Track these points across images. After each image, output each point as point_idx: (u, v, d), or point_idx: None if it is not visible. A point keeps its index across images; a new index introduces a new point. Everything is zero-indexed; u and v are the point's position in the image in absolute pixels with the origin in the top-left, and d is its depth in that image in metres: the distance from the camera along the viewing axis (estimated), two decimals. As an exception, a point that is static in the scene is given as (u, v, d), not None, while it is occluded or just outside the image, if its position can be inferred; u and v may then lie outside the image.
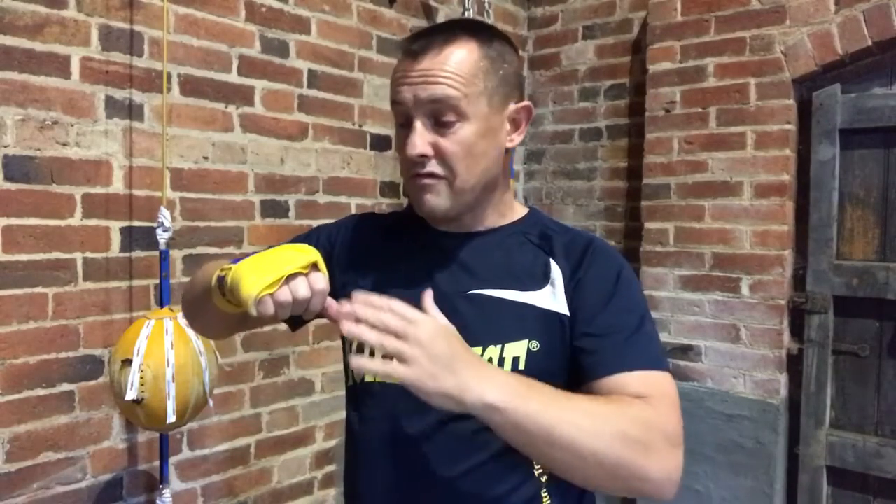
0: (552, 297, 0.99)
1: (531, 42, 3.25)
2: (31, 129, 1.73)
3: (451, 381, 0.79)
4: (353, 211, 2.51)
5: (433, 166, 0.97)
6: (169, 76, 1.98)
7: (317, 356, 2.45)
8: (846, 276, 2.41)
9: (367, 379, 1.04)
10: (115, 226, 1.90)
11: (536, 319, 0.98)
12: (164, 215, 1.74)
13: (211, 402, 1.74)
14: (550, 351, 0.97)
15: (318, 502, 2.48)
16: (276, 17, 2.26)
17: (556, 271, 1.01)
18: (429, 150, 0.96)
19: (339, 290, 1.03)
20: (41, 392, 1.78)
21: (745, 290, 2.54)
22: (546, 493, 0.98)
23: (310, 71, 2.37)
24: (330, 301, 0.88)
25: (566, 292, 0.99)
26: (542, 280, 1.01)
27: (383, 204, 2.64)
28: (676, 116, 2.68)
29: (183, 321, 1.66)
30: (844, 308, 2.43)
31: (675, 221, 2.69)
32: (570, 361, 0.97)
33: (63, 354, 1.81)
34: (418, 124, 0.96)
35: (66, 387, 1.82)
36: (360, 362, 0.80)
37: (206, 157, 2.10)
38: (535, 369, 0.92)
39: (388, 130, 2.64)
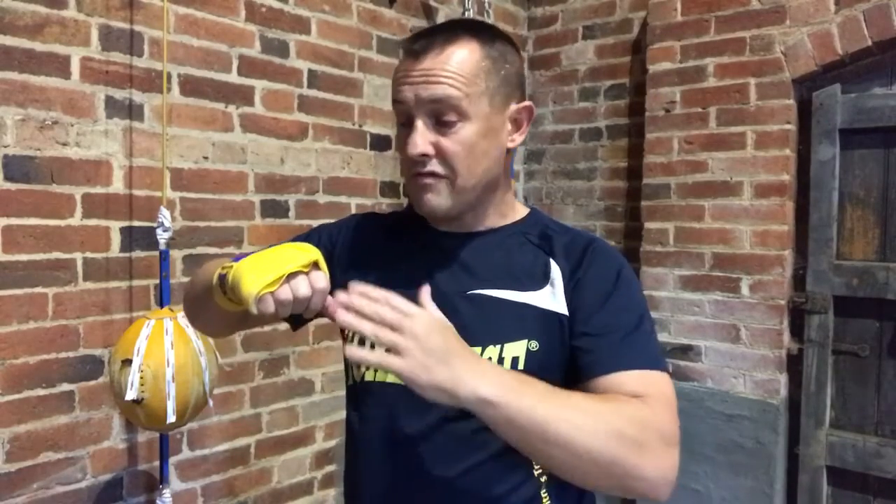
0: (551, 298, 0.99)
1: (531, 42, 3.25)
2: (31, 129, 1.73)
3: (444, 374, 0.79)
4: (353, 211, 2.51)
5: (434, 166, 0.97)
6: (169, 76, 1.98)
7: (317, 356, 2.45)
8: (846, 276, 2.41)
9: (367, 378, 1.04)
10: (115, 226, 1.90)
11: (536, 319, 0.98)
12: (164, 215, 1.74)
13: (211, 402, 1.74)
14: (550, 351, 0.97)
15: (318, 502, 2.48)
16: (276, 17, 2.26)
17: (555, 271, 1.01)
18: (430, 150, 0.96)
19: (340, 289, 1.03)
20: (41, 392, 1.78)
21: (745, 290, 2.54)
22: (546, 494, 0.98)
23: (310, 71, 2.37)
24: (330, 300, 0.88)
25: (566, 292, 0.99)
26: (541, 280, 1.01)
27: (383, 204, 2.64)
28: (676, 116, 2.68)
29: (183, 321, 1.66)
30: (844, 308, 2.43)
31: (675, 221, 2.69)
32: (568, 361, 0.97)
33: (63, 354, 1.81)
34: (419, 124, 0.96)
35: (66, 387, 1.82)
36: (354, 352, 0.80)
37: (206, 157, 2.10)
38: (535, 369, 0.92)
39: (388, 130, 2.64)
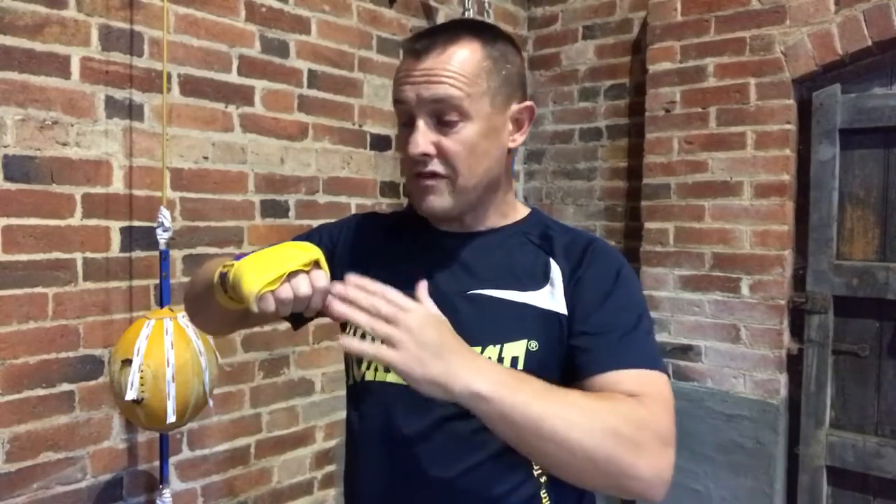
0: (551, 297, 0.99)
1: (531, 42, 3.25)
2: (31, 129, 1.73)
3: (439, 367, 0.79)
4: (354, 211, 2.51)
5: (435, 165, 0.97)
6: (169, 76, 1.98)
7: (317, 356, 2.45)
8: (846, 276, 2.41)
9: (368, 378, 1.04)
10: (115, 226, 1.90)
11: (535, 319, 0.98)
12: (164, 215, 1.74)
13: (211, 402, 1.74)
14: (549, 351, 0.97)
15: (318, 502, 2.48)
16: (276, 17, 2.26)
17: (555, 271, 1.01)
18: (431, 150, 0.96)
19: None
20: (41, 392, 1.78)
21: (745, 290, 2.54)
22: (545, 494, 0.98)
23: (310, 71, 2.37)
24: (331, 299, 0.88)
25: (565, 292, 0.99)
26: (541, 280, 1.01)
27: (383, 204, 2.64)
28: (676, 116, 2.68)
29: (183, 321, 1.66)
30: (844, 308, 2.43)
31: (675, 221, 2.69)
32: (567, 360, 0.97)
33: (63, 354, 1.81)
34: (421, 123, 0.96)
35: (66, 387, 1.82)
36: (350, 343, 0.80)
37: (206, 157, 2.10)
38: (535, 369, 0.92)
39: (388, 130, 2.64)
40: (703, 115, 2.62)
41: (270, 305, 0.86)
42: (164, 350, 1.60)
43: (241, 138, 2.18)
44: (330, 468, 2.51)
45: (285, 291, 0.86)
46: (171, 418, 1.59)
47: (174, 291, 1.91)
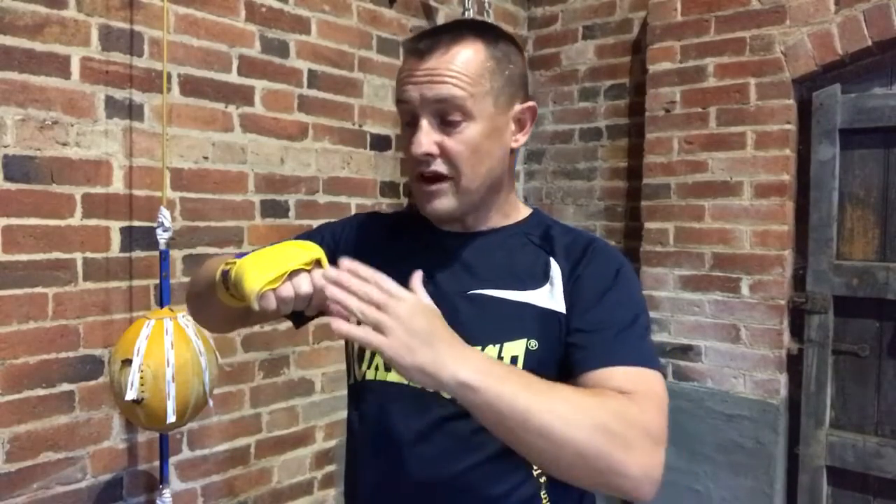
0: (550, 296, 0.99)
1: (531, 42, 3.25)
2: (31, 129, 1.73)
3: (427, 356, 0.78)
4: (353, 211, 2.51)
5: (438, 165, 0.97)
6: (169, 76, 1.98)
7: (317, 356, 2.45)
8: (846, 276, 2.41)
9: (368, 377, 1.04)
10: (115, 226, 1.90)
11: (535, 319, 0.98)
12: (164, 215, 1.74)
13: (211, 402, 1.74)
14: (548, 350, 0.97)
15: (318, 502, 2.48)
16: (276, 17, 2.26)
17: (555, 270, 1.01)
18: (434, 150, 0.96)
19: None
20: (41, 392, 1.78)
21: (745, 290, 2.54)
22: (545, 494, 0.98)
23: (310, 71, 2.37)
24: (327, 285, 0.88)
25: (565, 290, 0.99)
26: (541, 279, 1.01)
27: (383, 204, 2.64)
28: (676, 116, 2.68)
29: (183, 321, 1.66)
30: (844, 308, 2.43)
31: (675, 221, 2.69)
32: (564, 359, 0.96)
33: (63, 354, 1.81)
34: (424, 123, 0.96)
35: (66, 387, 1.82)
36: (340, 325, 0.79)
37: (206, 157, 2.10)
38: (534, 368, 0.92)
39: (388, 130, 2.64)
40: (703, 115, 2.62)
41: (272, 304, 0.86)
42: (164, 350, 1.60)
43: (241, 138, 2.18)
44: (330, 468, 2.51)
45: (287, 290, 0.86)
46: (171, 418, 1.59)
47: (174, 291, 1.91)
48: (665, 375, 2.66)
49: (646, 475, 0.83)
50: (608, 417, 0.82)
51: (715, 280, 2.60)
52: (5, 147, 1.69)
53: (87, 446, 1.86)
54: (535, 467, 0.97)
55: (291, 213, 2.34)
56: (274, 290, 0.86)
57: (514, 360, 0.96)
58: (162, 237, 1.75)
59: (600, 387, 0.89)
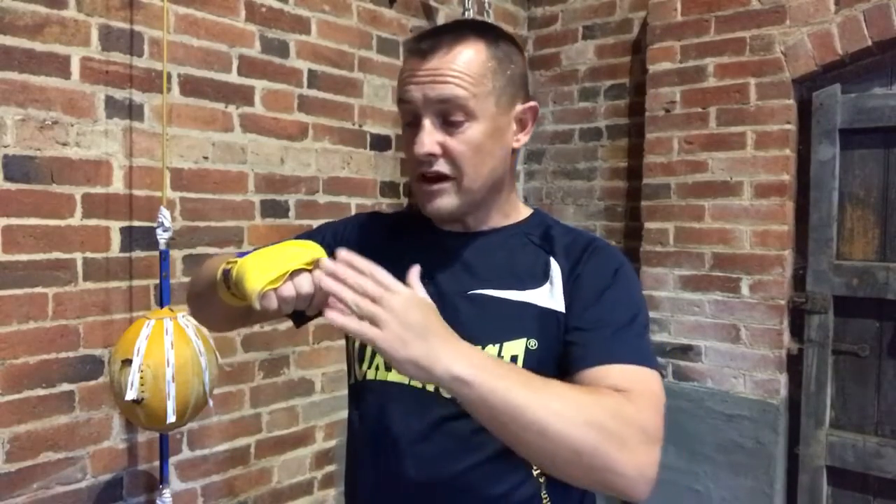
0: (550, 295, 0.99)
1: (531, 42, 3.25)
2: (31, 129, 1.73)
3: (421, 349, 0.78)
4: (353, 211, 2.51)
5: (441, 165, 0.97)
6: (169, 76, 1.98)
7: (317, 356, 2.45)
8: (846, 276, 2.41)
9: (369, 377, 1.04)
10: (115, 226, 1.90)
11: (535, 318, 0.98)
12: (164, 215, 1.74)
13: (211, 402, 1.74)
14: (548, 349, 0.97)
15: (318, 502, 2.48)
16: (276, 17, 2.26)
17: (555, 269, 1.01)
18: (437, 150, 0.96)
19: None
20: (41, 392, 1.78)
21: (745, 290, 2.54)
22: (546, 494, 0.98)
23: (310, 71, 2.37)
24: (321, 275, 0.88)
25: (564, 289, 0.99)
26: (541, 278, 1.01)
27: (383, 204, 2.64)
28: (676, 116, 2.68)
29: (183, 321, 1.66)
30: (844, 308, 2.43)
31: (675, 221, 2.69)
32: (563, 357, 0.96)
33: (63, 354, 1.81)
34: (427, 123, 0.96)
35: (66, 387, 1.82)
36: (334, 316, 0.79)
37: (206, 157, 2.10)
38: (534, 367, 0.92)
39: (388, 130, 2.64)
40: (703, 115, 2.62)
41: (273, 303, 0.86)
42: (164, 350, 1.60)
43: (241, 138, 2.18)
44: (330, 468, 2.51)
45: (288, 289, 0.86)
46: (171, 418, 1.59)
47: (174, 291, 1.91)
48: (665, 375, 2.66)
49: (641, 474, 0.82)
50: (603, 414, 0.82)
51: (715, 280, 2.60)
52: (5, 147, 1.69)
53: (87, 446, 1.86)
54: (534, 467, 0.97)
55: (291, 213, 2.34)
56: (275, 289, 0.86)
57: (513, 359, 0.96)
58: (162, 237, 1.75)
59: (597, 384, 0.88)
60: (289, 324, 1.16)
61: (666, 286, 2.70)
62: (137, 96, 1.93)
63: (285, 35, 2.29)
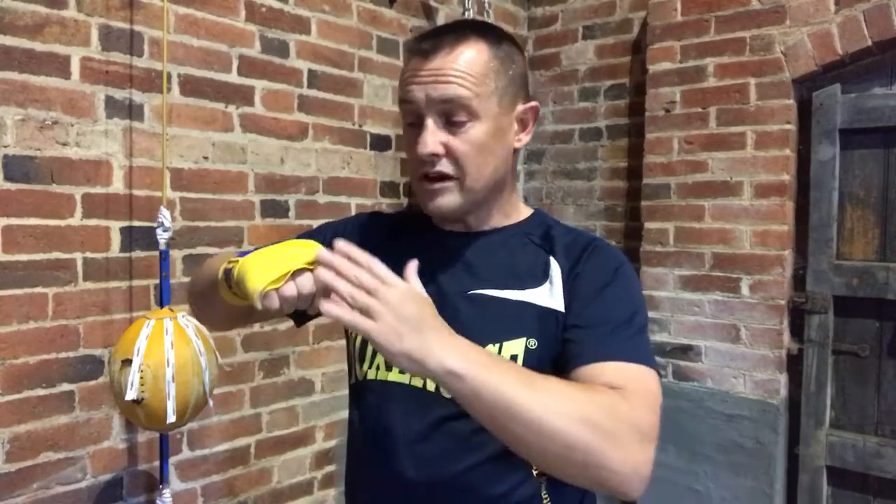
0: (549, 295, 0.99)
1: (531, 42, 3.25)
2: (31, 129, 1.73)
3: (415, 342, 0.78)
4: (354, 211, 2.51)
5: (444, 165, 0.97)
6: (169, 76, 1.98)
7: (317, 356, 2.45)
8: (846, 276, 2.41)
9: (370, 377, 1.04)
10: (115, 226, 1.90)
11: (534, 318, 0.98)
12: (164, 215, 1.74)
13: (211, 402, 1.74)
14: (547, 348, 0.97)
15: (318, 502, 2.48)
16: (276, 17, 2.26)
17: (555, 269, 1.01)
18: (440, 150, 0.96)
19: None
20: (41, 392, 1.78)
21: (745, 290, 2.54)
22: (546, 494, 0.98)
23: (310, 71, 2.37)
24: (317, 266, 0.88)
25: (563, 289, 0.99)
26: (541, 278, 1.01)
27: (383, 204, 2.64)
28: (676, 116, 2.68)
29: (183, 321, 1.66)
30: (844, 308, 2.43)
31: (675, 221, 2.69)
32: (561, 356, 0.96)
33: (63, 354, 1.81)
34: (430, 123, 0.96)
35: (66, 387, 1.82)
36: (330, 307, 0.79)
37: (206, 157, 2.10)
38: (534, 367, 0.92)
39: (388, 130, 2.64)
40: (703, 115, 2.62)
41: (274, 303, 0.86)
42: (164, 350, 1.60)
43: (241, 138, 2.18)
44: (330, 468, 2.51)
45: (289, 289, 0.86)
46: (171, 418, 1.59)
47: (174, 291, 1.91)
48: (665, 375, 2.66)
49: (634, 471, 0.82)
50: (596, 411, 0.81)
51: (715, 280, 2.60)
52: (5, 147, 1.69)
53: (87, 446, 1.86)
54: (534, 467, 0.97)
55: (291, 213, 2.34)
56: (277, 289, 0.86)
57: (513, 358, 0.96)
58: (162, 237, 1.75)
59: (592, 382, 0.88)
60: (289, 324, 1.16)
61: (666, 286, 2.70)
62: (137, 96, 1.93)
63: (285, 35, 2.29)
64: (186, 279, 1.99)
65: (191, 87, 2.05)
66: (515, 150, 1.04)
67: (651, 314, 2.67)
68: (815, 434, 2.46)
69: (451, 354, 0.79)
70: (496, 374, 0.79)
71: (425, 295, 0.85)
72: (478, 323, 0.97)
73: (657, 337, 2.69)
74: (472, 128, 0.96)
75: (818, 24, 2.38)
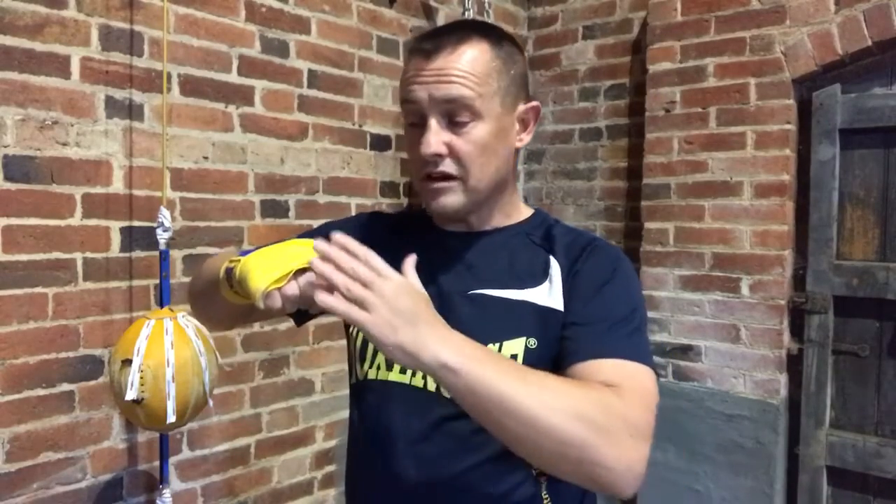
0: (549, 294, 0.99)
1: (531, 42, 3.25)
2: (31, 129, 1.73)
3: (409, 335, 0.78)
4: (353, 211, 2.51)
5: (447, 166, 0.97)
6: (169, 76, 1.98)
7: (317, 356, 2.45)
8: (846, 276, 2.41)
9: (370, 376, 1.04)
10: (115, 226, 1.90)
11: (534, 317, 0.98)
12: (164, 215, 1.74)
13: (211, 402, 1.73)
14: (547, 347, 0.96)
15: (318, 502, 2.48)
16: (276, 17, 2.26)
17: (554, 268, 1.01)
18: (443, 150, 0.96)
19: None
20: (41, 392, 1.78)
21: (745, 290, 2.54)
22: (546, 494, 0.98)
23: (310, 71, 2.37)
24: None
25: (563, 287, 0.99)
26: (540, 277, 1.01)
27: (383, 204, 2.64)
28: (676, 116, 2.68)
29: (183, 321, 1.66)
30: (844, 308, 2.43)
31: (675, 221, 2.69)
32: (559, 354, 0.96)
33: (63, 354, 1.81)
34: (433, 123, 0.96)
35: (66, 387, 1.82)
36: (324, 297, 0.79)
37: (206, 157, 2.10)
38: (533, 366, 0.92)
39: (388, 130, 2.64)
40: (703, 115, 2.62)
41: (277, 303, 0.86)
42: (164, 350, 1.60)
43: (241, 138, 2.18)
44: (330, 468, 2.51)
45: (292, 289, 0.86)
46: (171, 418, 1.59)
47: (174, 291, 1.91)
48: (665, 375, 2.66)
49: (627, 468, 0.81)
50: (591, 407, 0.81)
51: (715, 280, 2.60)
52: (5, 147, 1.69)
53: (87, 446, 1.86)
54: (535, 468, 0.97)
55: (291, 213, 2.34)
56: (279, 289, 0.86)
57: (513, 358, 0.96)
58: (162, 237, 1.75)
59: (588, 379, 0.88)
60: (289, 324, 1.16)
61: (666, 286, 2.70)
62: (137, 96, 1.93)
63: (285, 35, 2.29)
64: (186, 279, 1.99)
65: (191, 87, 2.05)
66: (517, 150, 1.04)
67: (651, 314, 2.67)
68: (815, 434, 2.46)
69: (445, 348, 0.78)
70: (490, 369, 0.79)
71: (422, 289, 0.84)
72: (478, 323, 0.97)
73: (657, 337, 2.69)
74: (475, 128, 0.96)
75: (818, 24, 2.38)
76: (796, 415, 2.50)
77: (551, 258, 1.02)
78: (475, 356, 0.80)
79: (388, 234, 1.12)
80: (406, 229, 1.12)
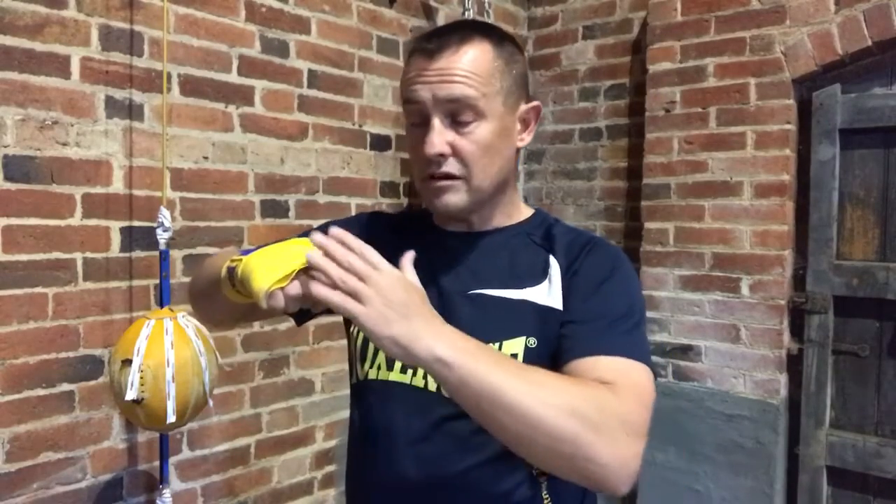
0: (547, 293, 0.99)
1: (531, 42, 3.25)
2: (31, 129, 1.73)
3: (403, 328, 0.78)
4: (354, 211, 2.51)
5: (450, 166, 0.97)
6: (169, 76, 1.98)
7: (317, 356, 2.45)
8: (846, 276, 2.41)
9: (371, 376, 1.04)
10: (115, 226, 1.90)
11: (533, 316, 0.98)
12: (164, 215, 1.74)
13: (211, 402, 1.73)
14: (547, 346, 0.96)
15: (318, 502, 2.48)
16: (276, 17, 2.26)
17: (554, 267, 1.01)
18: (447, 150, 0.96)
19: None
20: (41, 392, 1.78)
21: (745, 290, 2.54)
22: (547, 494, 0.98)
23: (310, 71, 2.37)
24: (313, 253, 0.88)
25: (562, 286, 0.99)
26: (540, 276, 1.01)
27: (383, 204, 2.64)
28: (676, 116, 2.68)
29: (183, 321, 1.66)
30: (844, 308, 2.43)
31: (675, 221, 2.69)
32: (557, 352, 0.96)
33: (63, 354, 1.81)
34: (437, 123, 0.96)
35: (66, 387, 1.82)
36: (319, 289, 0.79)
37: (206, 157, 2.10)
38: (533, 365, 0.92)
39: (388, 130, 2.64)
40: (703, 115, 2.62)
41: (280, 302, 0.86)
42: (164, 350, 1.60)
43: (241, 138, 2.18)
44: (330, 468, 2.51)
45: (294, 288, 0.86)
46: (171, 418, 1.59)
47: (174, 291, 1.91)
48: (664, 375, 2.66)
49: (621, 466, 0.81)
50: (585, 404, 0.81)
51: (715, 280, 2.60)
52: (5, 147, 1.69)
53: (87, 446, 1.86)
54: (535, 468, 0.97)
55: (291, 213, 2.34)
56: (282, 288, 0.86)
57: (513, 357, 0.96)
58: (162, 237, 1.75)
59: (584, 376, 0.88)
60: (289, 324, 1.16)
61: (666, 286, 2.70)
62: (137, 96, 1.93)
63: (285, 35, 2.29)
64: (186, 279, 1.99)
65: (191, 87, 2.05)
66: (518, 150, 1.05)
67: (651, 314, 2.67)
68: (815, 434, 2.46)
69: (438, 341, 0.78)
70: (484, 363, 0.79)
71: (418, 284, 0.84)
72: (478, 322, 0.97)
73: (657, 337, 2.69)
74: (479, 128, 0.96)
75: (818, 24, 2.38)
76: (796, 415, 2.50)
77: (551, 257, 1.02)
78: (468, 350, 0.80)
79: (389, 233, 1.12)
80: (406, 229, 1.12)
